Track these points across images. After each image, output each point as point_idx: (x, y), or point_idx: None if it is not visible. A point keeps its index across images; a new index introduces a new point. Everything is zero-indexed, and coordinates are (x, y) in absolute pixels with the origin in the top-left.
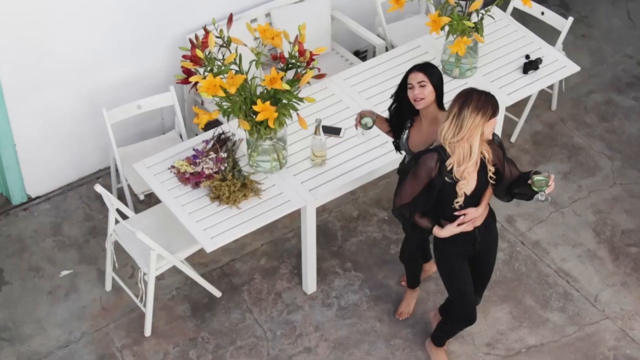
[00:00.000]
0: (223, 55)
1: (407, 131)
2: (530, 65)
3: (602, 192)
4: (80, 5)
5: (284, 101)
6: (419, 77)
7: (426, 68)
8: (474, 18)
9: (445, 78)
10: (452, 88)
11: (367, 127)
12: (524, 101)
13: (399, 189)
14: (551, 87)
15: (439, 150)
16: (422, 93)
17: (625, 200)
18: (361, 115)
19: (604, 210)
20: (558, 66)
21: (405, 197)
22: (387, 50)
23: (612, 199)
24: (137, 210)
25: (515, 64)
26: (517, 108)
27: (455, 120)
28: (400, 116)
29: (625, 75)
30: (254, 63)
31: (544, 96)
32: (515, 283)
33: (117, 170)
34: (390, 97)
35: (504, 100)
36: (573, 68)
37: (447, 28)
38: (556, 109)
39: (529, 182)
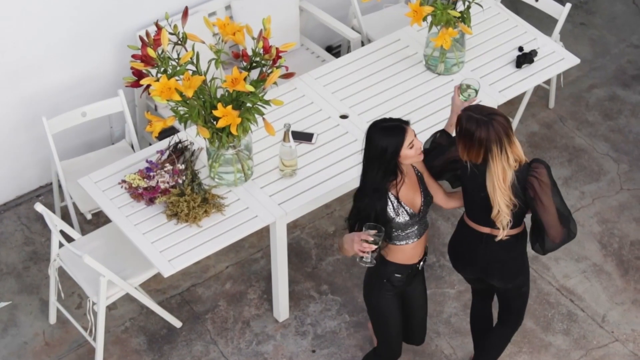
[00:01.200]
0: (178, 54)
1: (393, 199)
2: (524, 58)
3: (607, 199)
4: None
5: (248, 104)
6: (411, 131)
7: (402, 120)
8: (460, 7)
9: (429, 75)
10: (437, 85)
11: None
12: (518, 99)
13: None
14: (548, 82)
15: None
16: (416, 149)
17: (634, 208)
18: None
19: (611, 220)
20: (555, 59)
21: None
22: (363, 44)
23: (619, 207)
24: (83, 232)
25: (508, 57)
26: (510, 106)
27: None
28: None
29: (631, 67)
30: (213, 62)
31: (540, 93)
32: None
33: (60, 186)
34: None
35: (496, 98)
36: (572, 60)
37: (429, 19)
38: (554, 107)
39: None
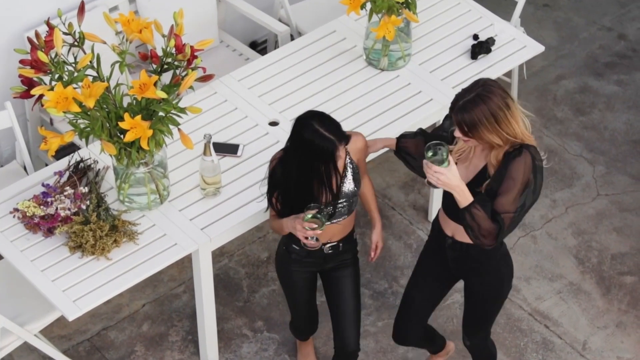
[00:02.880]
0: (75, 58)
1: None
2: (480, 47)
3: (583, 207)
4: None
5: (161, 114)
6: (342, 149)
7: (340, 134)
8: None
9: (371, 71)
10: (381, 83)
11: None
12: None
13: None
14: (509, 74)
15: None
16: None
17: (614, 216)
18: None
19: (588, 231)
20: (516, 47)
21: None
22: (292, 38)
23: (596, 216)
24: None
25: (461, 47)
26: None
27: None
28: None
29: (604, 54)
30: (117, 66)
31: None
32: None
33: None
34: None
35: (449, 95)
36: (536, 48)
37: (369, 6)
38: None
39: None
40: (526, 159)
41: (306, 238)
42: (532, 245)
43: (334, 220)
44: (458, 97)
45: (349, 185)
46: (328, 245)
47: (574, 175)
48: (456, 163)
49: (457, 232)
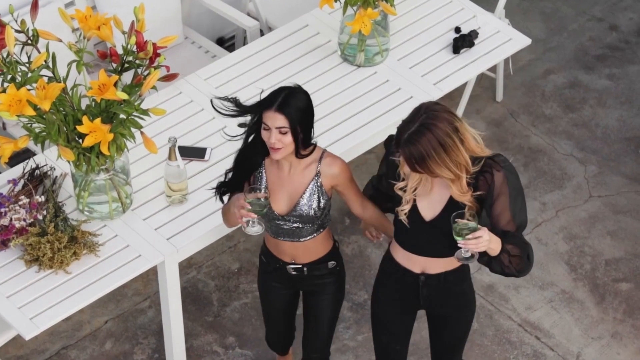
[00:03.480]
0: (29, 57)
1: (262, 181)
2: (463, 41)
3: (574, 209)
4: None
5: (122, 116)
6: (277, 120)
7: (288, 106)
8: None
9: (347, 67)
10: (357, 80)
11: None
12: (458, 91)
13: None
14: (494, 69)
15: None
16: (281, 142)
17: (608, 219)
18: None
19: (580, 235)
20: (501, 40)
21: None
22: (262, 34)
23: (589, 219)
24: None
25: (442, 40)
26: (449, 102)
27: None
28: (249, 158)
29: (594, 46)
30: (74, 65)
31: (485, 83)
32: (466, 345)
33: None
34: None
35: (431, 93)
36: (522, 41)
37: None
38: (503, 100)
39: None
40: (499, 174)
41: (246, 223)
42: None
43: (285, 239)
44: (401, 130)
45: (305, 205)
46: (292, 266)
47: (565, 176)
48: (414, 198)
49: (427, 266)
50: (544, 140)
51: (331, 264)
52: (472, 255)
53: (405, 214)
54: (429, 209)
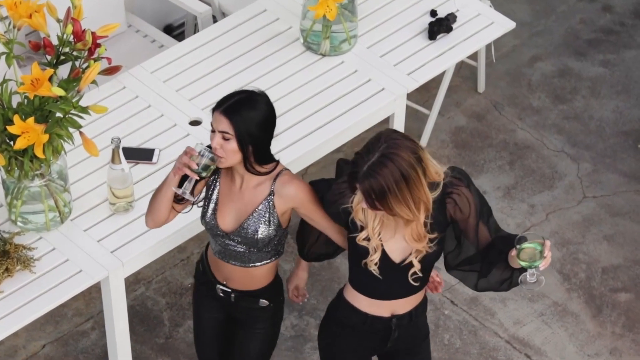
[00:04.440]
0: None
1: (215, 191)
2: (439, 25)
3: (567, 212)
4: None
5: (58, 115)
6: (221, 123)
7: (237, 112)
8: None
9: (311, 57)
10: (323, 70)
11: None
12: (435, 82)
13: None
14: (475, 57)
15: None
16: (222, 149)
17: (604, 221)
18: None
19: (573, 240)
20: (482, 24)
21: None
22: (215, 20)
23: (583, 222)
24: None
25: (417, 25)
26: (425, 93)
27: None
28: None
29: (586, 29)
30: (3, 58)
31: (465, 72)
32: None
33: None
34: None
35: (404, 84)
36: (505, 25)
37: None
38: (486, 91)
39: (512, 253)
40: (465, 190)
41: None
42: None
43: (230, 261)
44: (358, 161)
45: (251, 226)
46: (221, 286)
47: (555, 175)
48: (381, 243)
49: (397, 307)
50: (532, 135)
51: (263, 302)
52: (537, 280)
53: (375, 263)
54: (399, 251)
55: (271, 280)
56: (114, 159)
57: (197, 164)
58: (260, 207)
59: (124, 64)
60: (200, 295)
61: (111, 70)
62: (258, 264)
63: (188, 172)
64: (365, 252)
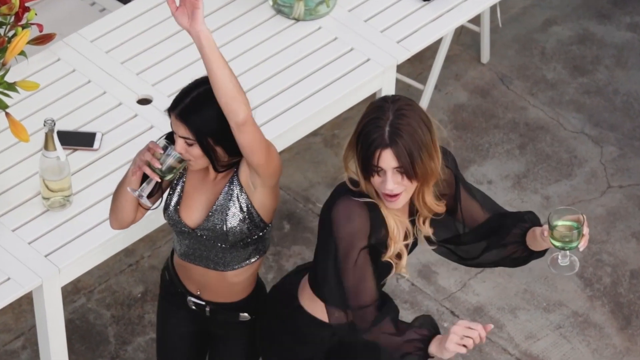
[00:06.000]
0: None
1: (179, 186)
2: None
3: (588, 204)
4: None
5: None
6: (180, 128)
7: (195, 112)
8: None
9: (282, 22)
10: (297, 38)
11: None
12: (431, 51)
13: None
14: (477, 21)
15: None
16: (188, 153)
17: (632, 216)
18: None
19: (596, 239)
20: None
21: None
22: None
23: (607, 217)
24: None
25: None
26: (418, 65)
27: None
28: None
29: None
30: None
31: (465, 39)
32: None
33: None
34: None
35: (394, 54)
36: None
37: None
38: (490, 61)
39: (544, 233)
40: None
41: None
42: None
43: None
44: (371, 130)
45: (217, 213)
46: (193, 298)
47: (574, 161)
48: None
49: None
50: (546, 113)
51: (244, 316)
52: (571, 262)
53: (404, 267)
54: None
55: (252, 290)
56: (47, 145)
57: (161, 163)
58: (225, 189)
59: (58, 31)
60: (166, 309)
61: (43, 39)
62: (236, 266)
63: (148, 171)
64: (388, 267)
